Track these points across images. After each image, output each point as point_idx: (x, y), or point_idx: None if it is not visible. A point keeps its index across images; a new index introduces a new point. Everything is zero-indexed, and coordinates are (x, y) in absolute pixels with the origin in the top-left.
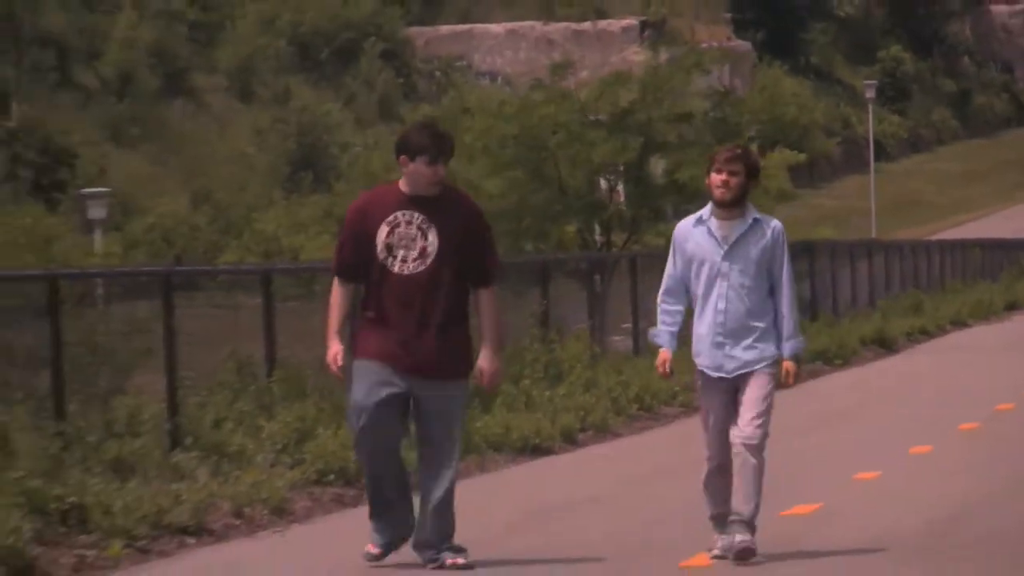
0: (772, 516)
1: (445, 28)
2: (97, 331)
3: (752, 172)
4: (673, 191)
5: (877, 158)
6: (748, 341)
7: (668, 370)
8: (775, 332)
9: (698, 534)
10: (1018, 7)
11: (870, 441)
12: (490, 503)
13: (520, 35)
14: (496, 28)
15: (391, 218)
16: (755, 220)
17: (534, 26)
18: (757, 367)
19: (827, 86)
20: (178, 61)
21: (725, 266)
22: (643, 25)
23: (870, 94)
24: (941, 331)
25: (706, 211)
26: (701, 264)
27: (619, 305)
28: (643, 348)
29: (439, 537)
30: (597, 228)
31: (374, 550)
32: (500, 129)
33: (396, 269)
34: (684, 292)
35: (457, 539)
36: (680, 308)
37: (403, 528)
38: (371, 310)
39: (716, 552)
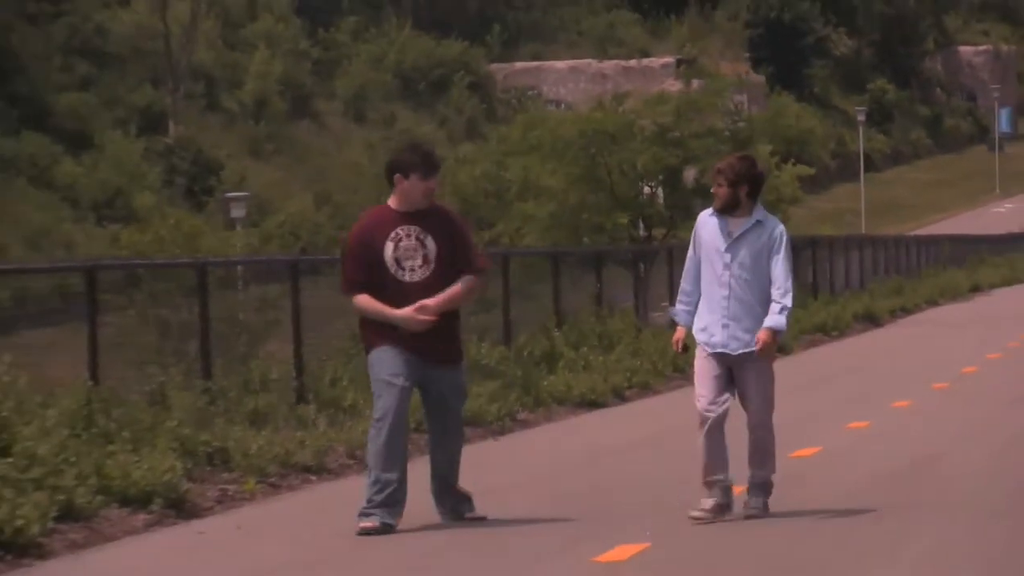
0: (782, 457)
1: (520, 64)
2: (237, 307)
3: (741, 180)
4: (701, 194)
5: (866, 169)
6: (749, 323)
7: (682, 347)
8: None
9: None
10: (980, 48)
11: (860, 397)
12: (556, 447)
13: (580, 70)
14: (561, 64)
15: (393, 235)
16: (758, 221)
17: (591, 63)
18: (755, 348)
19: (826, 111)
20: (304, 90)
21: (728, 257)
22: (679, 62)
23: (861, 118)
24: (918, 308)
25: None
26: (709, 251)
27: (658, 287)
28: None
29: (456, 497)
30: (641, 224)
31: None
32: (562, 132)
33: (407, 279)
34: (700, 274)
35: (532, 476)
36: (694, 289)
37: (399, 508)
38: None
39: (699, 513)
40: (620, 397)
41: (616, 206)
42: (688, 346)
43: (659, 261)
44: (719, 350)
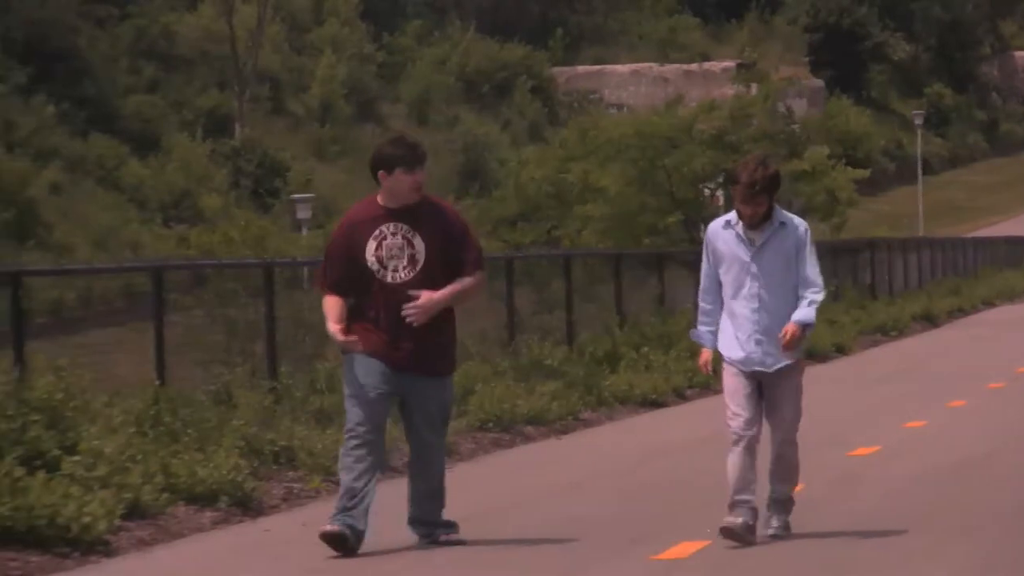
0: (840, 455)
1: (582, 68)
2: (303, 308)
3: (775, 186)
4: None
5: (924, 172)
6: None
7: (710, 369)
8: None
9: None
10: None
11: (917, 396)
12: (617, 445)
13: (641, 74)
14: (622, 68)
15: (377, 232)
16: (781, 223)
17: (652, 67)
18: (790, 360)
19: (884, 115)
20: (368, 93)
21: (755, 267)
22: (739, 66)
23: (918, 121)
24: (975, 309)
25: (733, 216)
26: (731, 264)
27: None
28: None
29: (433, 516)
30: (701, 226)
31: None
32: (621, 133)
33: (390, 279)
34: (718, 289)
35: (594, 475)
36: (716, 307)
37: (363, 523)
38: (365, 320)
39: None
40: (681, 397)
41: (675, 208)
42: (716, 370)
43: None
44: (755, 368)
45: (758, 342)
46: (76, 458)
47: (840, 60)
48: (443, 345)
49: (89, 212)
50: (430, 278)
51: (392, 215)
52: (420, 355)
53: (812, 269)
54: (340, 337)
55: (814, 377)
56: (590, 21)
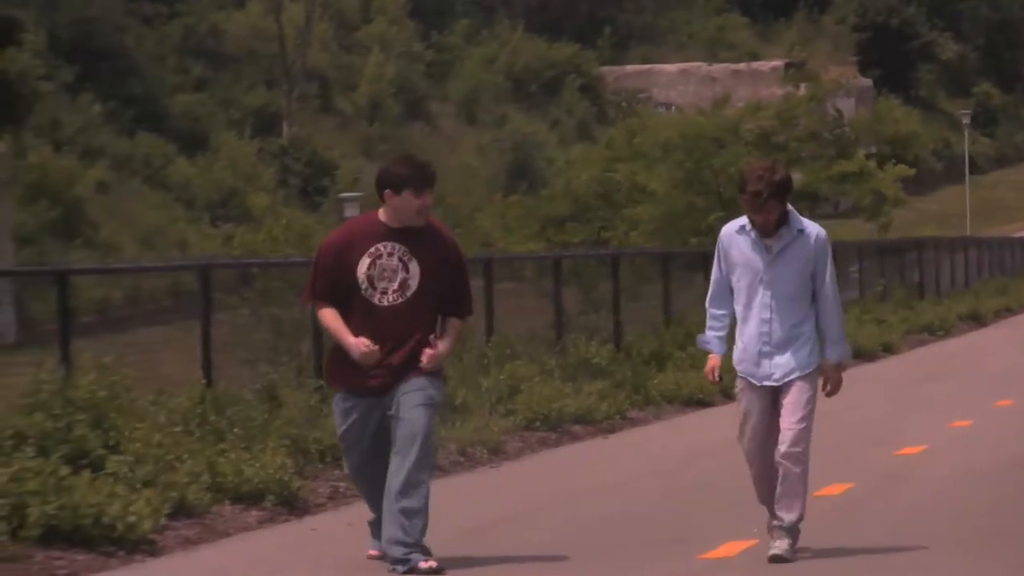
0: (887, 454)
1: (630, 67)
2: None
3: (787, 191)
4: (808, 197)
5: (971, 172)
6: (793, 347)
7: (717, 376)
8: (817, 338)
9: (834, 466)
10: None
11: (963, 396)
12: (664, 444)
13: (690, 73)
14: (670, 68)
15: (372, 250)
16: (800, 230)
17: (700, 66)
18: (800, 373)
19: (932, 115)
20: (417, 92)
21: (769, 276)
22: (787, 66)
23: (966, 121)
24: (1022, 309)
25: (748, 221)
26: (744, 272)
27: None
28: None
29: (412, 539)
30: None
31: (376, 553)
32: (667, 136)
33: (377, 301)
34: (730, 296)
35: (641, 473)
36: (726, 312)
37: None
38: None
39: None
40: (727, 396)
41: (722, 208)
42: (723, 377)
43: None
44: (765, 383)
45: (767, 354)
46: (121, 457)
47: (888, 59)
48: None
49: (136, 211)
50: (418, 307)
51: (392, 234)
52: (402, 369)
53: (832, 287)
54: (363, 349)
55: (861, 376)
56: (639, 20)
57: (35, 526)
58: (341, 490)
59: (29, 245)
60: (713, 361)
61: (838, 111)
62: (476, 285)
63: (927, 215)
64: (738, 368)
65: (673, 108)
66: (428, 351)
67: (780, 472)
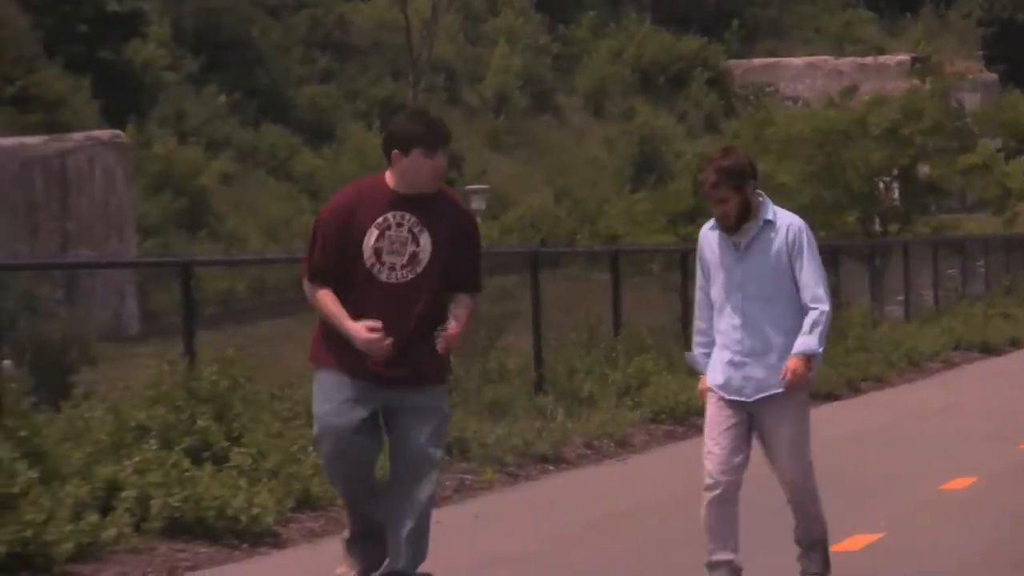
0: (1011, 449)
1: (758, 61)
2: (476, 299)
3: (746, 176)
4: (933, 190)
5: None
6: (771, 359)
7: None
8: None
9: (957, 460)
10: None
11: None
12: None
13: (816, 67)
14: (797, 61)
15: (381, 220)
16: (767, 221)
17: (827, 60)
18: (780, 388)
19: None
20: (544, 85)
21: (739, 274)
22: (913, 60)
23: None
24: None
25: None
26: (717, 272)
27: (893, 281)
28: (912, 314)
29: (412, 565)
30: (876, 220)
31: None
32: (797, 130)
33: (384, 278)
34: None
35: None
36: (711, 326)
37: (383, 551)
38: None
39: None
40: (854, 389)
41: (851, 202)
42: None
43: (894, 255)
44: (735, 397)
45: (739, 364)
46: (244, 449)
47: (1014, 54)
48: (436, 357)
49: (260, 202)
50: (427, 284)
51: (402, 202)
52: (412, 364)
53: (812, 277)
54: (367, 335)
55: (988, 370)
56: (766, 14)
57: (158, 518)
58: (467, 482)
59: (153, 236)
60: (704, 383)
61: (960, 104)
62: (602, 278)
63: None
64: (708, 379)
65: (800, 102)
66: (446, 335)
67: (791, 504)
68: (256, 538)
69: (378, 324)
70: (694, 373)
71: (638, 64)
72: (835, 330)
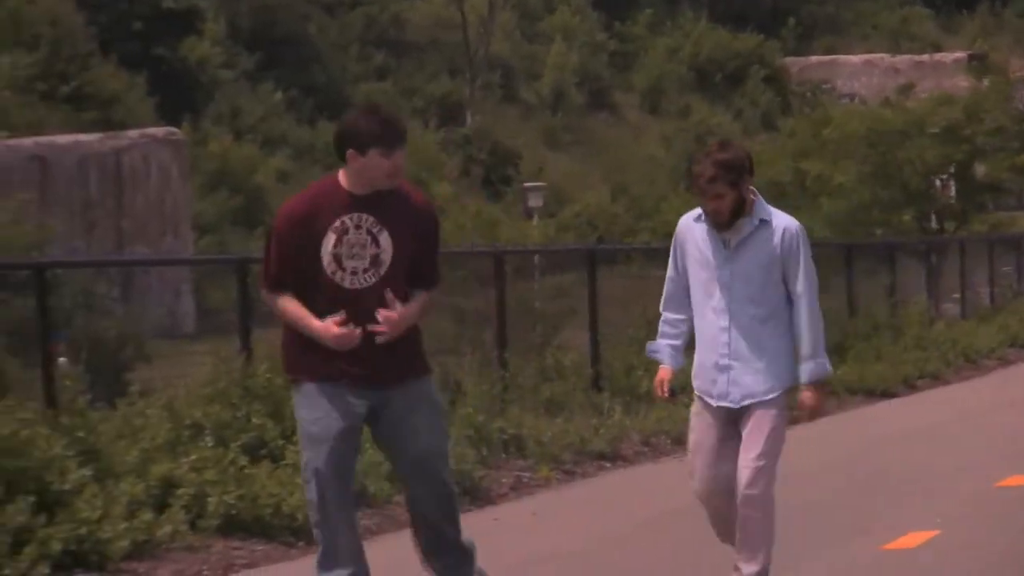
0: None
1: (814, 58)
2: (533, 296)
3: (744, 172)
4: (991, 188)
5: None
6: (760, 364)
7: (666, 390)
8: (791, 353)
9: (1016, 459)
10: None
11: None
12: (847, 435)
13: (873, 64)
14: (854, 58)
15: (338, 224)
16: (762, 221)
17: (883, 57)
18: (767, 396)
19: None
20: (601, 82)
21: (727, 274)
22: (970, 58)
23: None
24: None
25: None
26: (699, 269)
27: (950, 279)
28: (969, 312)
29: (455, 557)
30: (933, 217)
31: None
32: (853, 129)
33: (348, 284)
34: (687, 298)
35: (824, 465)
36: (683, 317)
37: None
38: (304, 336)
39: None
40: (910, 387)
41: (907, 200)
42: (675, 390)
43: (951, 252)
44: (721, 403)
45: (725, 368)
46: (296, 448)
47: None
48: (412, 351)
49: None
50: (394, 284)
51: (358, 204)
52: (390, 366)
53: (805, 285)
54: (336, 331)
55: None
56: (822, 11)
57: (214, 516)
58: (524, 480)
59: (209, 233)
60: (663, 373)
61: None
62: (659, 275)
63: None
64: (694, 384)
65: (856, 99)
66: (384, 316)
67: (740, 516)
68: (312, 536)
69: (343, 318)
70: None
71: (695, 61)
72: (893, 328)
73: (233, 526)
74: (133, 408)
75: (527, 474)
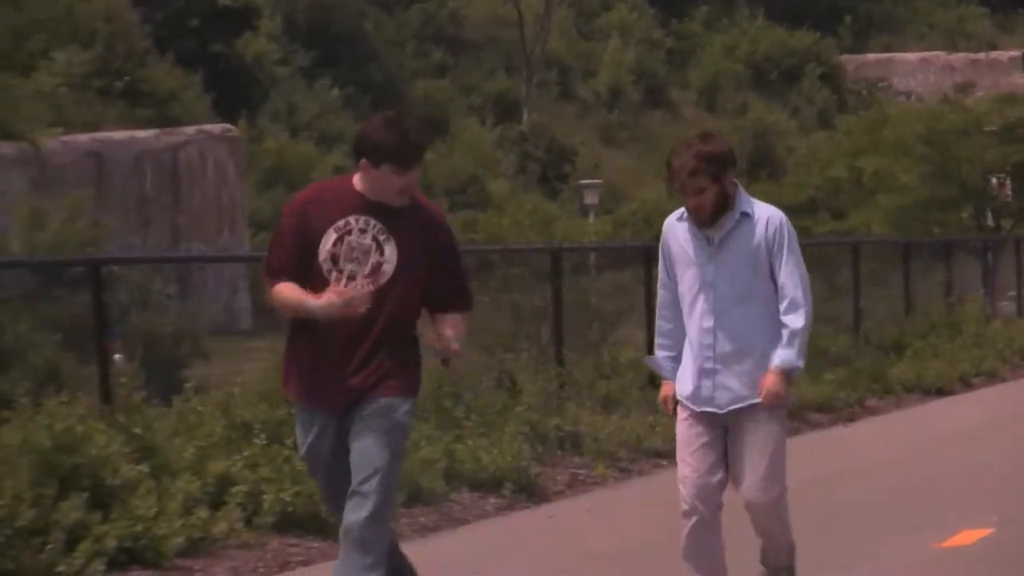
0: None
1: (871, 56)
2: (589, 293)
3: (727, 165)
4: None
5: None
6: (746, 367)
7: (672, 407)
8: None
9: None
10: None
11: None
12: (903, 433)
13: (930, 62)
14: (911, 56)
15: (341, 223)
16: (743, 214)
17: (939, 55)
18: (754, 400)
19: None
20: (657, 79)
21: (711, 272)
22: None
23: None
24: None
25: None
26: (684, 269)
27: (1007, 277)
28: None
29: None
30: (989, 215)
31: None
32: (911, 129)
33: (341, 287)
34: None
35: (880, 462)
36: (679, 326)
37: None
38: (298, 344)
39: None
40: (967, 385)
41: (964, 198)
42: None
43: (1007, 250)
44: (706, 408)
45: (711, 372)
46: None
47: None
48: (405, 366)
49: None
50: (390, 298)
51: (367, 207)
52: (368, 379)
53: (792, 278)
54: (337, 298)
55: None
56: (879, 9)
57: (270, 513)
58: (580, 477)
59: (265, 230)
60: (667, 389)
61: None
62: None
63: None
64: (677, 389)
65: (913, 97)
66: (447, 333)
67: (754, 527)
68: None
69: (350, 289)
70: (657, 379)
71: (751, 59)
72: (949, 326)
73: (288, 523)
74: (189, 405)
75: (583, 471)
